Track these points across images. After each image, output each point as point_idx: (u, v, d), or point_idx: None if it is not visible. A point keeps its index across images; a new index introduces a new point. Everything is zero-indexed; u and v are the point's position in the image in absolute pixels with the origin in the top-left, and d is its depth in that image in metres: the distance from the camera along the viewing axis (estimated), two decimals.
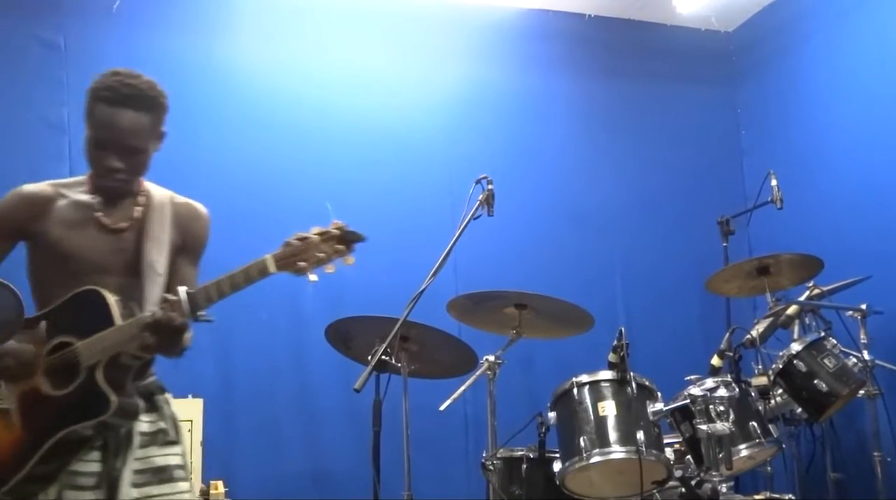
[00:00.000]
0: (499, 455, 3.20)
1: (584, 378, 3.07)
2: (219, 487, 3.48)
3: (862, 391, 3.44)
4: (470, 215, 3.09)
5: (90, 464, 2.17)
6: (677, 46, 5.05)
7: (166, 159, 4.01)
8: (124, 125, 2.19)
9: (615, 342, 3.03)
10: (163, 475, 2.25)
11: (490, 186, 3.13)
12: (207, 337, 3.98)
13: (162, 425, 2.30)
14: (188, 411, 3.46)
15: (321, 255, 2.01)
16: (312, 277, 2.03)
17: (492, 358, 3.25)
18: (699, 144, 4.97)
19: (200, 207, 2.43)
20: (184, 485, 2.30)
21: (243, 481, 3.79)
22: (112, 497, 2.16)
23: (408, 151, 4.41)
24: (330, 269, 2.04)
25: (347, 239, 2.04)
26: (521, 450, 3.26)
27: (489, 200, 3.12)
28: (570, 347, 3.88)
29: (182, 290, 2.05)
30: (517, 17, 4.78)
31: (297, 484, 3.98)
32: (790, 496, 3.26)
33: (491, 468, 3.16)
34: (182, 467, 2.31)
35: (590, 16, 4.89)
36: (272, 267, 2.03)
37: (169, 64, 4.16)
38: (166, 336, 2.05)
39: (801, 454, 3.84)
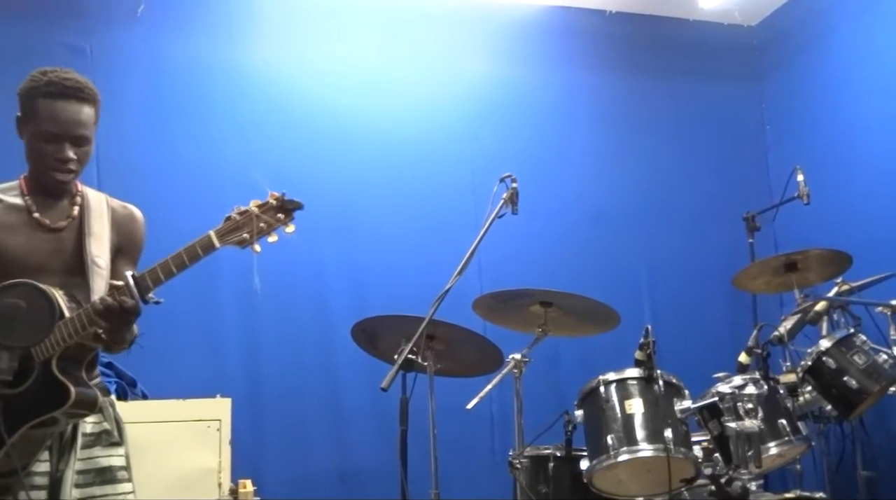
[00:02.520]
0: (526, 454, 3.19)
1: (611, 376, 3.06)
2: (247, 486, 3.50)
3: (893, 388, 3.39)
4: (494, 214, 3.09)
5: (42, 464, 2.20)
6: (700, 42, 5.02)
7: (191, 162, 4.10)
8: (74, 116, 2.24)
9: (642, 340, 3.02)
10: (106, 475, 2.28)
11: (514, 185, 3.13)
12: (235, 338, 4.02)
13: (106, 426, 2.33)
14: (216, 410, 3.49)
15: (262, 225, 2.02)
16: (256, 247, 2.04)
17: (518, 356, 3.24)
18: (724, 140, 4.94)
19: (136, 209, 2.47)
20: (126, 486, 2.33)
21: (272, 480, 3.82)
22: (55, 497, 2.19)
23: (431, 151, 4.42)
24: (272, 238, 2.05)
25: (286, 208, 2.04)
26: (548, 448, 3.25)
27: (513, 199, 3.12)
28: (596, 345, 3.87)
29: (127, 274, 2.08)
30: (538, 14, 4.77)
31: (325, 483, 4.01)
32: (821, 494, 3.23)
33: (518, 466, 3.16)
34: (125, 468, 2.34)
35: (611, 12, 4.87)
36: (216, 241, 2.04)
37: (192, 67, 4.21)
38: (119, 321, 2.07)
39: (831, 452, 3.81)
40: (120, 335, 2.17)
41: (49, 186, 2.30)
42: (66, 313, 2.06)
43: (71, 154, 2.25)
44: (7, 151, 2.49)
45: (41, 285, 1.94)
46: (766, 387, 2.99)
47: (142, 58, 4.15)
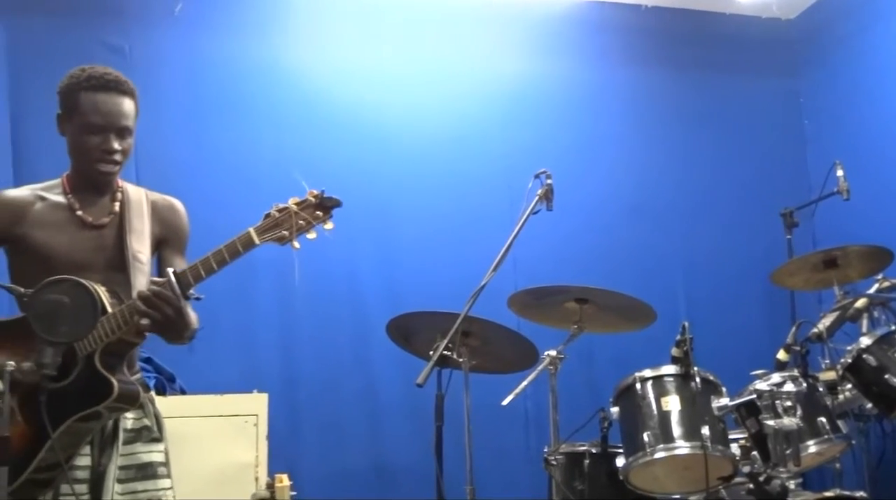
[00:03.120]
0: (561, 450, 3.19)
1: (647, 373, 3.04)
2: (284, 480, 3.52)
3: None
4: (529, 210, 3.08)
5: (84, 458, 2.24)
6: (737, 36, 4.96)
7: (228, 160, 4.14)
8: (117, 107, 2.29)
9: (678, 337, 2.99)
10: (146, 471, 2.31)
11: (549, 181, 3.12)
12: (272, 334, 4.06)
13: (146, 422, 2.36)
14: (253, 406, 3.53)
15: (301, 222, 2.04)
16: (296, 244, 2.06)
17: (553, 353, 3.23)
18: (760, 135, 4.88)
19: (176, 200, 2.51)
20: (166, 482, 2.35)
21: (308, 474, 3.85)
22: (97, 492, 2.22)
23: (466, 148, 4.42)
24: (311, 235, 2.07)
25: (325, 205, 2.06)
26: (584, 445, 3.24)
27: (548, 195, 3.11)
28: (631, 341, 3.85)
29: (169, 271, 2.11)
30: (573, 9, 4.75)
31: (361, 478, 4.04)
32: (861, 493, 3.18)
33: (553, 463, 3.15)
34: (164, 464, 2.36)
35: (647, 6, 4.84)
36: (256, 238, 2.06)
37: (229, 65, 4.25)
38: (160, 318, 2.09)
39: (871, 451, 3.76)
40: (168, 332, 2.18)
41: (94, 179, 2.34)
42: (109, 309, 2.09)
43: (116, 145, 2.29)
44: (49, 150, 2.55)
45: (84, 281, 1.97)
46: (805, 385, 2.95)
47: (179, 56, 4.20)
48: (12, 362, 1.88)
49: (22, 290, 1.94)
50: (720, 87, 4.89)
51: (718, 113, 4.85)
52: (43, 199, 2.34)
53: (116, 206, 2.37)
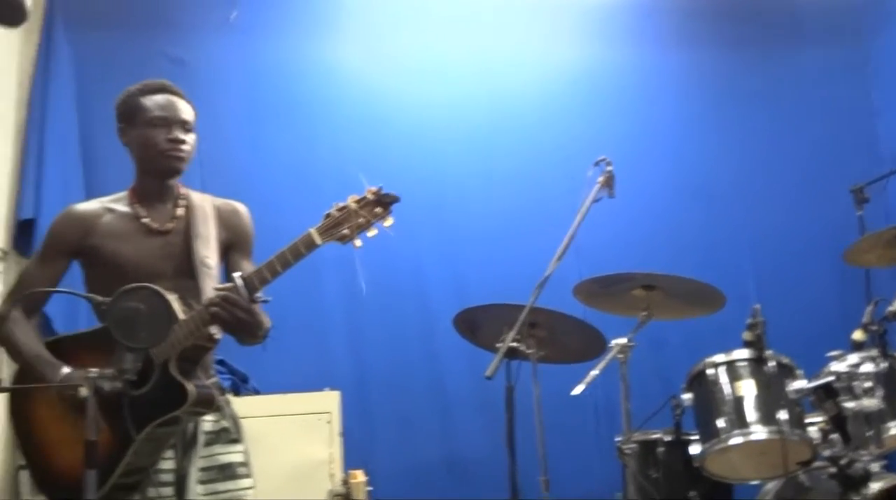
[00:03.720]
0: (634, 439, 3.16)
1: (720, 358, 3.01)
2: (359, 476, 3.57)
3: None
4: (591, 198, 3.06)
5: (167, 461, 2.29)
6: (798, 7, 4.83)
7: (288, 163, 4.19)
8: (176, 104, 2.38)
9: (750, 320, 2.95)
10: (227, 472, 2.36)
11: (609, 168, 3.09)
12: (341, 332, 4.11)
13: (224, 424, 2.39)
14: (326, 403, 3.58)
15: (361, 220, 2.05)
16: (357, 242, 2.07)
17: (623, 341, 3.21)
18: (825, 109, 4.73)
19: (239, 204, 2.54)
20: (246, 481, 2.39)
21: (382, 470, 3.87)
22: (181, 494, 2.27)
23: (524, 138, 4.40)
24: (372, 232, 2.07)
25: (383, 201, 2.06)
26: (657, 433, 3.22)
27: (609, 182, 3.09)
28: (701, 327, 3.79)
29: (236, 275, 2.14)
30: None
31: (434, 472, 4.06)
32: None
33: (627, 452, 3.13)
34: (244, 464, 2.40)
35: None
36: (317, 239, 2.08)
37: (285, 69, 4.30)
38: (232, 321, 2.12)
39: None
40: (241, 334, 2.22)
41: (162, 173, 2.39)
42: (180, 316, 2.13)
43: (181, 135, 2.35)
44: (117, 163, 2.62)
45: (158, 289, 2.02)
46: (884, 365, 2.88)
47: (236, 63, 4.26)
48: (95, 369, 1.93)
49: (100, 299, 2.00)
50: (779, 61, 4.76)
51: (779, 88, 4.73)
52: (111, 210, 2.40)
53: (180, 211, 2.42)
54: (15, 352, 2.30)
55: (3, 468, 3.40)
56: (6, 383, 2.16)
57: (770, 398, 2.87)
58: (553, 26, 4.58)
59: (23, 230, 3.74)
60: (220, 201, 2.52)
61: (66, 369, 2.23)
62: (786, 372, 2.95)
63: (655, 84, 4.65)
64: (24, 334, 2.32)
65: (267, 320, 2.29)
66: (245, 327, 2.16)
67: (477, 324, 3.39)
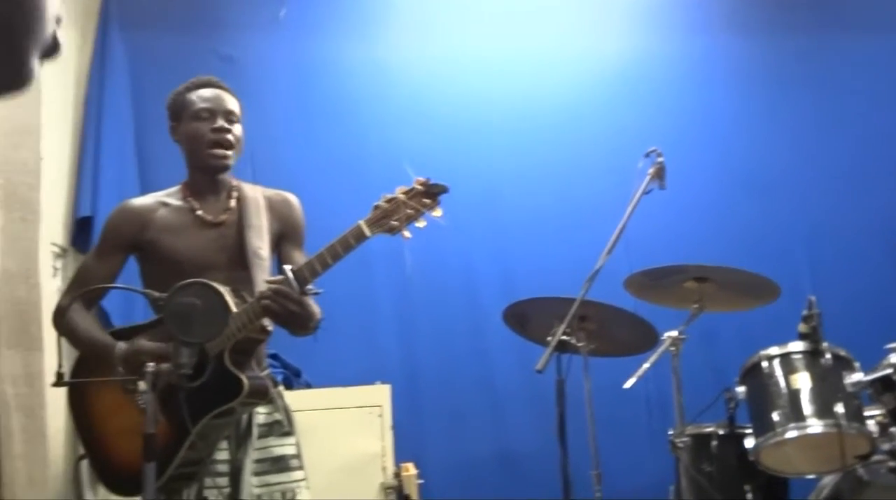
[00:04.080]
0: (687, 432, 3.14)
1: (774, 351, 2.96)
2: (410, 469, 3.59)
3: None
4: (641, 190, 3.04)
5: (222, 453, 2.33)
6: None
7: (339, 159, 4.22)
8: (222, 96, 2.44)
9: (805, 312, 2.90)
10: (280, 464, 2.39)
11: (660, 159, 3.06)
12: (391, 325, 4.13)
13: (277, 416, 2.43)
14: (377, 397, 3.61)
15: (410, 211, 2.06)
16: (406, 233, 2.08)
17: (674, 334, 3.18)
18: (879, 95, 4.60)
19: (290, 195, 2.58)
20: (299, 473, 2.42)
21: (433, 463, 3.90)
22: (236, 485, 2.30)
23: (572, 130, 4.37)
24: (420, 223, 2.08)
25: (432, 192, 2.07)
26: (710, 426, 3.19)
27: (660, 173, 3.06)
28: (755, 319, 3.75)
29: (286, 268, 2.17)
30: None
31: (485, 465, 4.06)
32: None
33: (680, 445, 3.11)
34: (297, 456, 2.43)
35: None
36: (367, 230, 2.09)
37: (334, 64, 4.33)
38: (284, 313, 2.15)
39: None
40: (293, 326, 2.25)
41: (210, 168, 2.43)
42: (233, 309, 2.17)
43: (226, 125, 2.40)
44: (171, 159, 2.67)
45: (212, 283, 2.05)
46: None
47: (285, 60, 4.30)
48: (153, 363, 1.97)
49: (156, 294, 2.04)
50: (831, 47, 4.64)
51: (831, 75, 4.61)
52: (165, 204, 2.45)
53: (233, 203, 2.46)
54: (75, 339, 2.37)
55: (65, 459, 3.49)
56: (68, 376, 2.21)
57: (826, 391, 2.82)
58: (601, 17, 4.55)
59: (81, 228, 3.82)
60: (272, 192, 2.55)
61: (122, 345, 2.28)
62: (842, 365, 2.89)
63: (705, 73, 4.58)
64: (83, 320, 2.38)
65: (318, 312, 2.31)
66: (296, 319, 2.19)
67: (527, 317, 3.39)
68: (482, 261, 4.23)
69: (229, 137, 2.41)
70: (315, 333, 2.35)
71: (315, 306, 2.29)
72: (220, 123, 2.40)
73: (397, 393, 3.70)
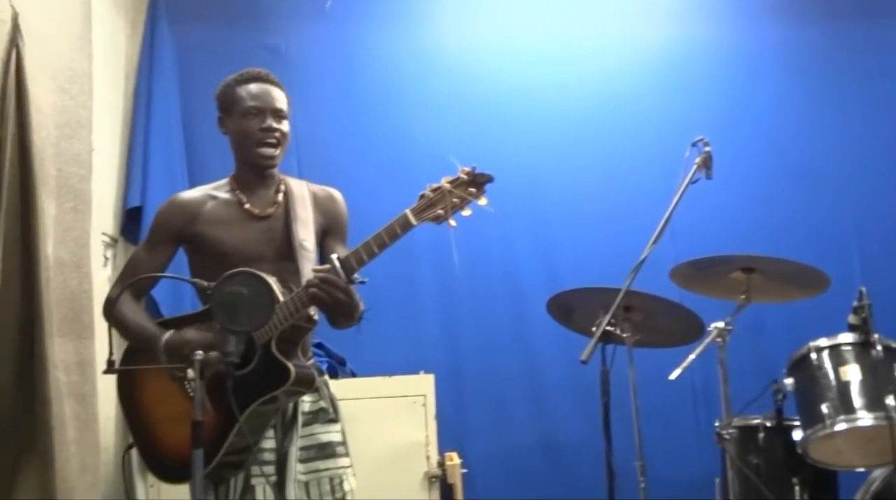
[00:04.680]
0: (734, 424, 3.11)
1: (823, 342, 2.92)
2: (454, 458, 3.62)
3: None
4: (688, 180, 3.00)
5: (269, 440, 2.36)
6: None
7: (383, 149, 4.24)
8: (270, 93, 2.45)
9: (856, 303, 2.86)
10: (326, 450, 2.42)
11: (707, 148, 3.03)
12: (434, 316, 4.15)
13: (322, 404, 2.46)
14: (421, 386, 3.63)
15: (455, 200, 2.07)
16: (451, 222, 2.09)
17: (721, 325, 3.15)
18: None
19: (335, 190, 2.60)
20: (345, 460, 2.45)
21: (476, 452, 3.92)
22: (282, 472, 2.33)
23: (617, 119, 4.33)
24: (466, 212, 2.10)
25: (477, 181, 2.08)
26: (757, 418, 3.16)
27: (707, 163, 3.02)
28: (803, 310, 3.69)
29: (333, 257, 2.19)
30: None
31: (529, 455, 4.06)
32: None
33: (726, 437, 3.08)
34: (342, 443, 2.46)
35: None
36: (413, 219, 2.11)
37: (379, 55, 4.34)
38: (331, 302, 2.17)
39: None
40: (337, 315, 2.28)
41: (257, 165, 2.46)
42: (280, 298, 2.19)
43: (274, 124, 2.42)
44: (219, 151, 2.70)
45: (259, 273, 2.08)
46: None
47: (331, 51, 4.33)
48: (200, 352, 2.00)
49: (205, 284, 2.06)
50: (878, 33, 4.50)
51: (878, 62, 4.49)
52: (213, 197, 2.48)
53: (280, 197, 2.49)
54: (123, 330, 2.41)
55: (116, 445, 3.56)
56: (118, 365, 2.26)
57: (877, 384, 2.77)
58: (646, 4, 4.49)
59: (130, 218, 3.89)
60: (317, 187, 2.58)
61: (167, 335, 2.33)
62: (893, 357, 2.84)
63: (753, 60, 4.51)
64: (131, 310, 2.42)
65: (362, 303, 2.34)
66: (343, 308, 2.21)
67: (571, 308, 3.38)
68: (526, 251, 4.22)
69: (277, 135, 2.44)
70: (359, 324, 2.37)
71: (358, 297, 2.31)
72: (269, 121, 2.42)
73: (441, 383, 3.72)
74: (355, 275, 2.18)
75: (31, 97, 2.57)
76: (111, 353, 2.13)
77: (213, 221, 2.44)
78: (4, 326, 2.44)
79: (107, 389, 2.80)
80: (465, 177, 2.09)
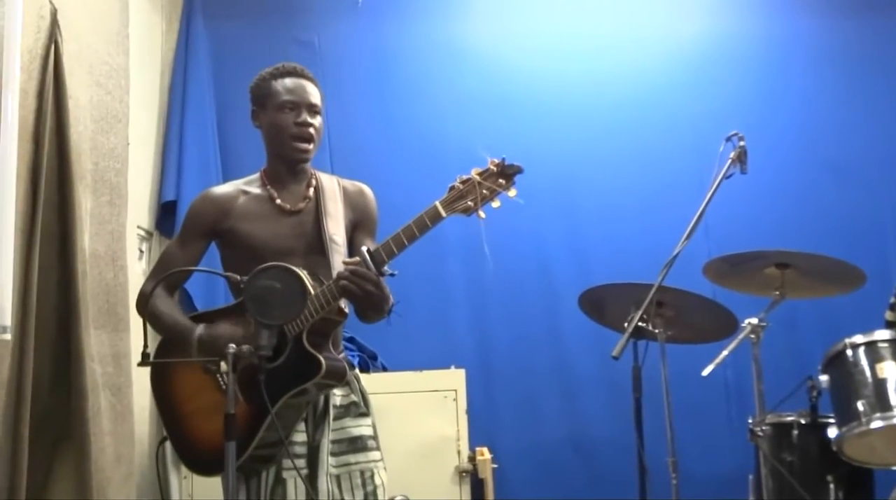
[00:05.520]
0: (767, 421, 3.08)
1: (859, 339, 2.88)
2: (485, 453, 3.61)
3: None
4: (722, 174, 2.97)
5: (300, 434, 2.36)
6: None
7: (415, 143, 4.25)
8: (306, 88, 2.46)
9: (892, 299, 2.82)
10: (357, 444, 2.42)
11: (742, 143, 2.99)
12: (466, 311, 4.14)
13: (353, 398, 2.46)
14: (452, 381, 3.64)
15: (486, 192, 2.08)
16: (481, 214, 2.09)
17: (755, 321, 3.12)
18: None
19: (365, 186, 2.60)
20: (376, 454, 2.45)
21: (507, 447, 3.91)
22: (314, 465, 2.34)
23: (650, 114, 4.29)
24: (496, 204, 2.10)
25: (506, 173, 2.08)
26: (791, 415, 3.13)
27: (741, 158, 2.99)
28: (838, 307, 3.65)
29: (362, 249, 2.19)
30: None
31: (559, 450, 4.05)
32: None
33: (760, 434, 3.05)
34: (373, 437, 2.46)
35: None
36: (442, 211, 2.11)
37: (411, 49, 4.35)
38: (361, 294, 2.17)
39: None
40: (367, 308, 2.29)
41: (291, 159, 2.48)
42: (311, 291, 2.20)
43: (309, 119, 2.44)
44: (252, 145, 2.72)
45: (290, 266, 2.09)
46: None
47: (364, 45, 4.34)
48: (233, 345, 2.02)
49: (238, 277, 2.08)
50: None
51: None
52: (245, 193, 2.50)
53: (311, 192, 2.50)
54: (156, 324, 2.43)
55: (150, 437, 3.61)
56: (152, 358, 2.28)
57: None
58: None
59: (165, 212, 3.94)
60: (347, 182, 2.59)
61: (199, 329, 2.35)
62: None
63: (788, 54, 4.45)
64: (165, 305, 2.45)
65: (392, 296, 2.34)
66: (372, 300, 2.22)
67: (603, 303, 3.36)
68: (557, 245, 4.20)
69: (311, 131, 2.45)
70: (388, 317, 2.38)
71: (389, 291, 2.32)
72: (304, 116, 2.44)
73: (471, 378, 3.72)
74: (385, 267, 2.19)
75: (68, 92, 2.62)
76: (146, 345, 2.16)
77: (244, 217, 2.46)
78: (42, 318, 2.47)
79: (142, 381, 2.84)
80: (494, 168, 2.09)
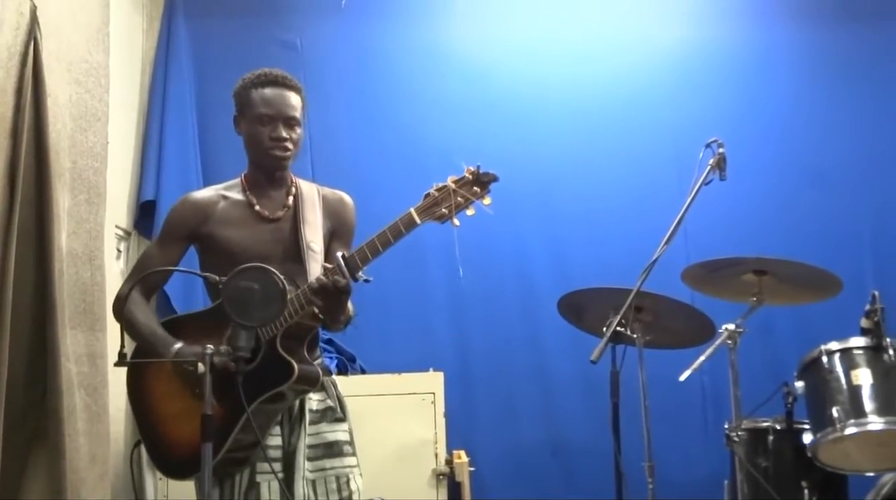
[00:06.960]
0: (743, 426, 3.10)
1: (834, 346, 2.91)
2: (462, 456, 3.61)
3: None
4: (701, 181, 2.99)
5: (275, 438, 2.37)
6: None
7: (396, 147, 4.24)
8: (284, 100, 2.44)
9: (868, 307, 2.85)
10: (333, 449, 2.43)
11: (721, 150, 3.01)
12: (444, 314, 4.14)
13: (330, 403, 2.47)
14: (430, 384, 3.64)
15: (460, 200, 2.08)
16: (455, 221, 2.10)
17: (732, 327, 3.14)
18: None
19: (345, 195, 2.61)
20: (352, 459, 2.46)
21: (485, 451, 3.92)
22: (289, 469, 2.34)
23: (630, 119, 4.31)
24: (470, 212, 2.11)
25: (482, 181, 2.09)
26: (767, 421, 3.15)
27: (721, 164, 3.01)
28: (815, 313, 3.67)
29: (338, 255, 2.20)
30: None
31: (537, 454, 4.05)
32: None
33: (735, 439, 3.07)
34: (349, 442, 2.47)
35: None
36: (417, 217, 2.12)
37: (394, 52, 4.35)
38: (333, 300, 2.19)
39: None
40: (336, 315, 2.29)
41: (268, 168, 2.48)
42: (288, 295, 2.20)
43: (284, 133, 2.43)
44: (232, 149, 2.71)
45: (271, 269, 2.08)
46: None
47: (347, 47, 4.33)
48: (211, 346, 2.01)
49: (216, 278, 2.08)
50: (894, 36, 4.51)
51: (894, 64, 4.48)
52: (225, 198, 2.50)
53: (290, 199, 2.51)
54: (133, 331, 2.42)
55: (125, 439, 3.58)
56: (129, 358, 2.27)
57: (889, 388, 2.76)
58: (661, 5, 4.48)
59: (144, 211, 3.91)
60: (328, 190, 2.59)
61: (178, 345, 2.34)
62: None
63: (770, 62, 4.48)
64: (143, 313, 2.44)
65: (352, 310, 2.36)
66: (335, 311, 2.23)
67: (582, 307, 3.37)
68: (537, 250, 4.21)
69: (288, 145, 2.45)
70: (344, 330, 2.41)
71: (350, 304, 2.33)
72: (280, 131, 2.43)
73: (450, 381, 3.72)
74: (360, 273, 2.19)
75: (47, 89, 2.59)
76: (123, 345, 2.14)
77: (223, 222, 2.46)
78: (17, 316, 2.45)
79: (118, 381, 2.81)
80: (469, 176, 2.10)
